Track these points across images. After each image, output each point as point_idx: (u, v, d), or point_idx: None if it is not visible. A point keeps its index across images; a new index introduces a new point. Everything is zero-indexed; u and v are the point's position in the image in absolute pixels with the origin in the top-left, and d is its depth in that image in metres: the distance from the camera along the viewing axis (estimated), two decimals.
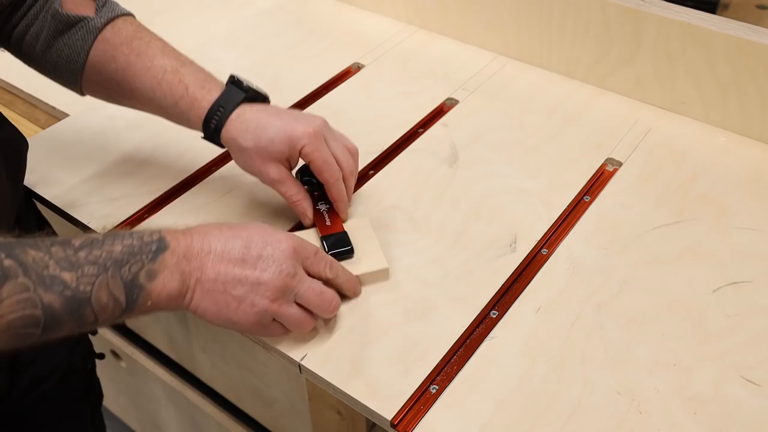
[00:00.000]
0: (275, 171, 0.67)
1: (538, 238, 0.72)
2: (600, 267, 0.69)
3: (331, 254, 0.66)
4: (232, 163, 0.80)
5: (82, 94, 0.73)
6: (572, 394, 0.59)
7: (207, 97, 0.67)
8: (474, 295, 0.66)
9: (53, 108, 0.93)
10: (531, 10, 0.92)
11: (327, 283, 0.61)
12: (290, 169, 0.69)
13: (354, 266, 0.67)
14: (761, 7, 1.01)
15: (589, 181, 0.79)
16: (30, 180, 0.79)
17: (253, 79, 0.71)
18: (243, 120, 0.66)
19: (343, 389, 0.59)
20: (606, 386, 0.59)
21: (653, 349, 0.62)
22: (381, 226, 0.73)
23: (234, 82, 0.68)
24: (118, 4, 0.71)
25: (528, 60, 0.97)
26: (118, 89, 0.70)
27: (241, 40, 1.04)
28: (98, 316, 0.50)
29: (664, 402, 0.58)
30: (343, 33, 1.05)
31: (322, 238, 0.68)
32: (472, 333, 0.63)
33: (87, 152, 0.84)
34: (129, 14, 0.71)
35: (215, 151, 0.82)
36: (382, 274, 0.68)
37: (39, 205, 0.80)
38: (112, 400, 1.37)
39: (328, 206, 0.72)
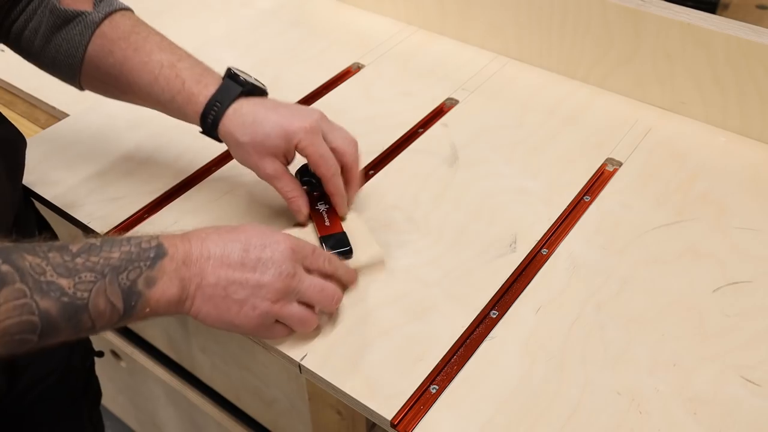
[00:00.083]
0: (271, 166, 0.67)
1: (538, 238, 0.72)
2: (600, 267, 0.69)
3: None
4: (232, 163, 0.80)
5: (82, 89, 0.73)
6: (572, 394, 0.59)
7: (204, 92, 0.67)
8: (474, 295, 0.66)
9: (53, 108, 0.93)
10: (531, 10, 0.92)
11: (327, 277, 0.61)
12: (287, 164, 0.68)
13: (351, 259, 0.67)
14: (761, 7, 1.01)
15: (589, 181, 0.79)
16: (30, 180, 0.79)
17: None
18: (240, 114, 0.66)
19: (343, 389, 0.59)
20: (606, 386, 0.59)
21: (653, 349, 0.62)
22: (381, 226, 0.73)
23: (231, 75, 0.68)
24: None
25: (528, 60, 0.97)
26: (116, 84, 0.70)
27: (241, 40, 1.04)
28: (96, 323, 0.50)
29: (664, 402, 0.58)
30: (342, 33, 1.05)
31: (321, 239, 0.68)
32: (472, 333, 0.63)
33: (87, 152, 0.84)
34: (127, 9, 0.71)
35: (215, 151, 0.82)
36: (378, 263, 0.68)
37: (39, 205, 0.80)
38: (112, 400, 1.37)
39: (327, 206, 0.71)
